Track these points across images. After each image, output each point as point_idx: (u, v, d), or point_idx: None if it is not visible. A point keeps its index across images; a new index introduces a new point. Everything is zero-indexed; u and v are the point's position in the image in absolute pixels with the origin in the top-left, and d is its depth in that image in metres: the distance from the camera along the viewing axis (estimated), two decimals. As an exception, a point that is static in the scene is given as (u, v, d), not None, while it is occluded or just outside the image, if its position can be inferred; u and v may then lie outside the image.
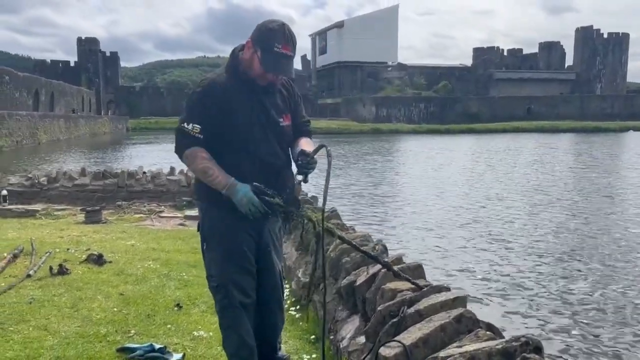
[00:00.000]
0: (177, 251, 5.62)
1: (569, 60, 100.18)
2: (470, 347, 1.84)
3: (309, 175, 2.27)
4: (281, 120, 2.36)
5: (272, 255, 2.47)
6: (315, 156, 2.25)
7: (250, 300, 2.38)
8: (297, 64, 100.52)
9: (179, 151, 2.28)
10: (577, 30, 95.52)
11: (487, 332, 1.95)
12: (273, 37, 2.18)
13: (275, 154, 2.33)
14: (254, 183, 2.19)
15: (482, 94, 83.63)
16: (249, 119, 2.27)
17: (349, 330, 2.89)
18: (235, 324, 2.36)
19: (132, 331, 3.36)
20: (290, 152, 2.42)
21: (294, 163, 2.34)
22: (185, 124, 2.23)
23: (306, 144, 2.37)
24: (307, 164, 2.22)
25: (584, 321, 5.14)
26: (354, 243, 2.68)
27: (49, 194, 9.29)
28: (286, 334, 3.30)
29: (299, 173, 2.25)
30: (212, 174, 2.20)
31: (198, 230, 2.48)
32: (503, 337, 1.97)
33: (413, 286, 2.52)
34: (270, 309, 2.52)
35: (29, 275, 4.41)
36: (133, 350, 2.99)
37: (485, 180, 16.87)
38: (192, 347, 3.15)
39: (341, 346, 2.80)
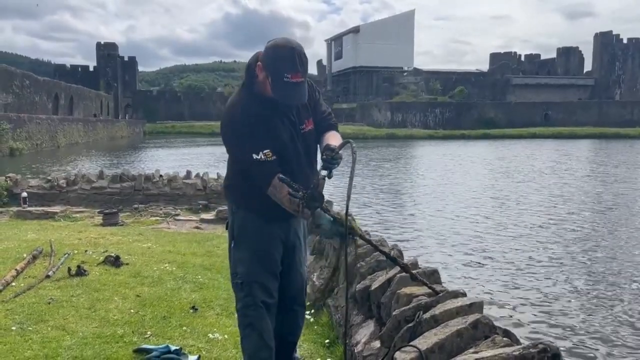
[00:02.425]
0: (193, 254, 5.66)
1: (588, 66, 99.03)
2: (486, 353, 1.82)
3: (333, 171, 2.20)
4: (303, 127, 2.36)
5: (296, 256, 2.50)
6: (340, 151, 2.19)
7: (273, 301, 2.40)
8: (313, 69, 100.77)
9: (265, 182, 2.20)
10: (596, 36, 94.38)
11: (504, 339, 1.93)
12: (282, 66, 2.11)
13: (301, 164, 2.33)
14: (280, 175, 2.16)
15: (499, 100, 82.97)
16: (277, 133, 2.27)
17: (364, 335, 2.88)
18: (257, 323, 2.37)
19: (149, 332, 3.39)
20: (315, 154, 2.44)
21: (319, 157, 2.29)
22: (255, 155, 2.17)
23: (333, 138, 2.33)
24: (331, 159, 2.15)
25: (604, 328, 5.06)
26: (374, 243, 2.67)
27: (68, 197, 9.42)
28: (301, 338, 3.30)
29: (323, 168, 2.17)
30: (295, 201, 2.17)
31: (226, 228, 2.52)
32: (520, 344, 1.95)
33: (429, 291, 2.51)
34: (292, 309, 2.55)
35: (48, 276, 4.47)
36: (149, 351, 3.02)
37: (502, 186, 16.72)
38: (208, 349, 3.17)
39: (356, 351, 2.80)
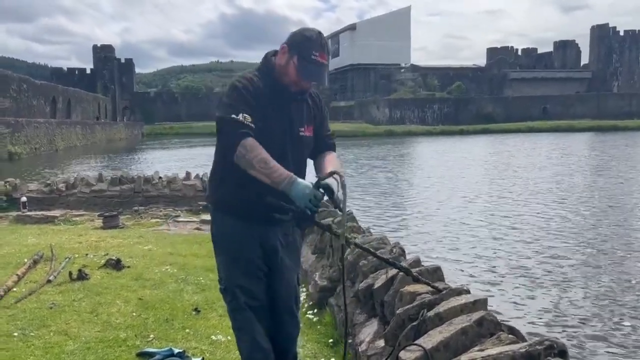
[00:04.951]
0: (194, 255, 5.64)
1: (585, 59, 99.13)
2: (492, 350, 1.81)
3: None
4: (302, 129, 2.33)
5: (278, 261, 2.38)
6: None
7: (258, 303, 2.34)
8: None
9: (235, 140, 2.10)
10: (593, 28, 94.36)
11: (509, 336, 1.92)
12: (311, 45, 2.19)
13: (287, 162, 2.25)
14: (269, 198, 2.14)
15: (497, 95, 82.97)
16: (274, 124, 2.24)
17: (368, 333, 2.87)
18: (246, 326, 2.34)
19: (151, 335, 3.38)
20: (305, 162, 2.40)
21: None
22: (235, 115, 2.13)
23: (331, 164, 2.32)
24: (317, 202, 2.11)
25: (610, 324, 5.03)
26: (372, 250, 2.65)
27: (68, 200, 9.40)
28: (304, 338, 3.30)
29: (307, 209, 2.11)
30: (272, 165, 2.08)
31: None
32: (525, 341, 1.93)
33: (432, 289, 2.50)
34: (281, 317, 2.44)
35: (49, 281, 4.46)
36: (152, 354, 3.01)
37: (504, 181, 16.71)
38: (211, 352, 3.16)
39: (360, 350, 2.79)
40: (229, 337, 3.31)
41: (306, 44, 2.20)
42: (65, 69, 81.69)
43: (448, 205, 12.21)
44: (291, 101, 2.30)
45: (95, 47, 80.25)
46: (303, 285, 4.33)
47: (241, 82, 2.24)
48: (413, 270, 2.78)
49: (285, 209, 2.15)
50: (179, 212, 8.93)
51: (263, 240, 2.34)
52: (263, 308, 2.37)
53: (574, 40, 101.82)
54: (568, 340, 4.55)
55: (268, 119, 2.21)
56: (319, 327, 3.56)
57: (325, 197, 2.15)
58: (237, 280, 2.33)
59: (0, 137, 27.85)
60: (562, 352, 1.65)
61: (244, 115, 2.13)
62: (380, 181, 17.36)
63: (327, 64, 2.25)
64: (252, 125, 2.13)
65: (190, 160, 26.30)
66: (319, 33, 2.24)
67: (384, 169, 21.84)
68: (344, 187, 2.14)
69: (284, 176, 2.07)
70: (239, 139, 2.10)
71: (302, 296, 4.05)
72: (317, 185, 2.08)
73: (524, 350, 1.66)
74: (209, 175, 2.52)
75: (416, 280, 2.53)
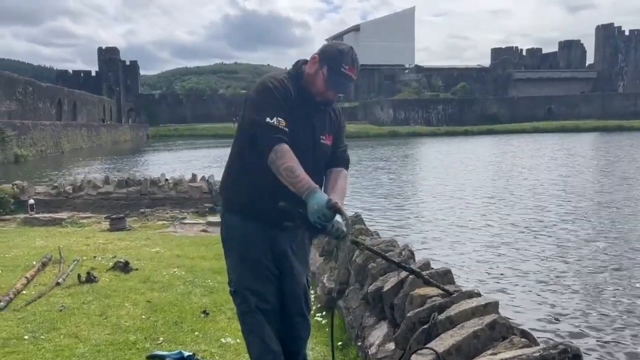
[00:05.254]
0: (201, 258, 5.66)
1: (590, 59, 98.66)
2: (505, 354, 1.81)
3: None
4: (323, 137, 2.37)
5: (288, 264, 2.39)
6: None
7: (269, 306, 2.35)
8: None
9: (268, 145, 2.13)
10: (598, 28, 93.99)
11: (522, 339, 1.92)
12: (342, 58, 2.25)
13: (307, 167, 2.24)
14: (281, 203, 2.17)
15: (501, 95, 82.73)
16: (299, 129, 2.25)
17: (378, 336, 2.87)
18: (257, 328, 2.34)
19: (161, 338, 3.38)
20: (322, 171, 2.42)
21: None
22: (269, 119, 2.14)
23: (339, 193, 2.33)
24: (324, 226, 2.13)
25: (624, 327, 4.96)
26: (382, 253, 2.65)
27: (75, 203, 9.45)
28: (313, 340, 3.30)
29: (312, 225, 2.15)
30: (299, 174, 2.10)
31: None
32: (538, 344, 1.93)
33: (443, 292, 2.50)
34: (292, 319, 2.46)
35: (58, 283, 4.48)
36: (162, 357, 3.02)
37: (509, 182, 16.66)
38: (220, 355, 3.17)
39: (370, 353, 2.79)
40: (238, 340, 3.31)
41: (337, 57, 2.25)
42: (71, 72, 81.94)
43: (453, 207, 12.17)
44: (316, 110, 2.34)
45: (100, 50, 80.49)
46: (311, 287, 4.33)
47: (273, 83, 2.25)
48: (423, 273, 2.78)
49: (295, 218, 2.18)
50: (186, 214, 8.96)
51: (273, 244, 2.35)
52: (274, 311, 2.38)
53: (579, 40, 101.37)
54: (580, 343, 4.50)
55: (294, 124, 2.22)
56: (327, 329, 3.56)
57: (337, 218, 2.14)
58: (247, 282, 2.34)
59: (6, 139, 27.97)
60: (577, 356, 1.64)
61: (278, 119, 2.16)
62: (386, 183, 17.33)
63: (355, 79, 2.30)
64: (286, 129, 2.16)
65: (194, 162, 26.37)
66: (351, 48, 2.31)
67: (390, 170, 21.81)
68: (348, 226, 2.15)
69: (306, 187, 2.09)
70: (272, 144, 2.13)
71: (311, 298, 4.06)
72: (328, 206, 2.07)
73: (537, 354, 1.66)
74: (222, 176, 2.51)
75: (427, 283, 2.53)
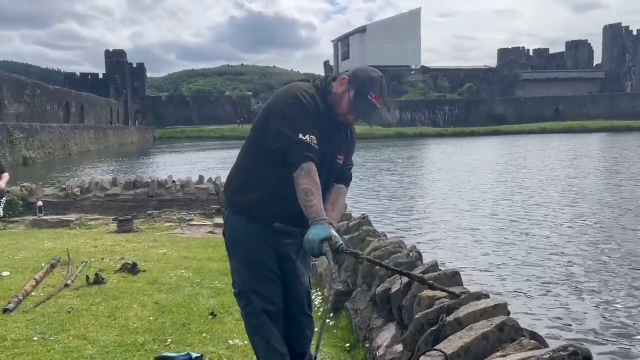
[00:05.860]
0: (209, 259, 5.67)
1: (597, 59, 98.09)
2: (514, 356, 1.80)
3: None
4: (340, 157, 2.40)
5: (292, 265, 2.41)
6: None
7: (274, 308, 2.35)
8: (320, 70, 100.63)
9: (297, 161, 2.13)
10: (606, 28, 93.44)
11: (532, 341, 1.91)
12: (371, 85, 2.26)
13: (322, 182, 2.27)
14: (276, 224, 2.22)
15: (508, 96, 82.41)
16: (323, 146, 2.24)
17: (385, 338, 2.86)
18: (261, 330, 2.34)
19: (169, 340, 3.39)
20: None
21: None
22: (302, 135, 2.14)
23: (338, 211, 2.41)
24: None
25: (634, 329, 4.94)
26: (383, 263, 2.63)
27: (83, 205, 9.50)
28: (321, 342, 3.29)
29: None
30: (313, 199, 2.10)
31: (223, 235, 2.52)
32: (548, 347, 1.92)
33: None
34: (297, 320, 2.47)
35: (67, 285, 4.50)
36: (171, 359, 3.02)
37: (516, 184, 16.58)
38: (228, 356, 3.17)
39: (378, 355, 2.78)
40: (245, 342, 3.31)
41: (367, 83, 2.26)
42: (78, 74, 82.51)
43: (459, 209, 12.13)
44: (338, 129, 2.36)
45: (107, 52, 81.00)
46: (318, 289, 4.33)
47: (306, 98, 2.24)
48: (431, 274, 2.78)
49: (292, 236, 2.23)
50: (193, 215, 8.98)
51: (277, 246, 2.35)
52: (279, 313, 2.38)
53: (587, 40, 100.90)
54: (590, 345, 4.47)
55: (321, 141, 2.22)
56: (335, 331, 3.55)
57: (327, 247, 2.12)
58: (251, 284, 2.34)
59: (15, 142, 28.17)
60: (587, 359, 1.63)
61: (311, 137, 2.16)
62: (393, 184, 17.30)
63: (379, 108, 2.32)
64: (317, 147, 2.16)
65: (201, 164, 26.46)
66: (382, 77, 2.31)
67: (397, 171, 21.77)
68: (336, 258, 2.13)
69: (313, 215, 2.10)
70: (301, 162, 2.13)
71: (318, 300, 4.06)
72: (320, 246, 2.07)
73: (547, 356, 1.65)
74: (228, 177, 2.51)
75: (432, 288, 2.52)
